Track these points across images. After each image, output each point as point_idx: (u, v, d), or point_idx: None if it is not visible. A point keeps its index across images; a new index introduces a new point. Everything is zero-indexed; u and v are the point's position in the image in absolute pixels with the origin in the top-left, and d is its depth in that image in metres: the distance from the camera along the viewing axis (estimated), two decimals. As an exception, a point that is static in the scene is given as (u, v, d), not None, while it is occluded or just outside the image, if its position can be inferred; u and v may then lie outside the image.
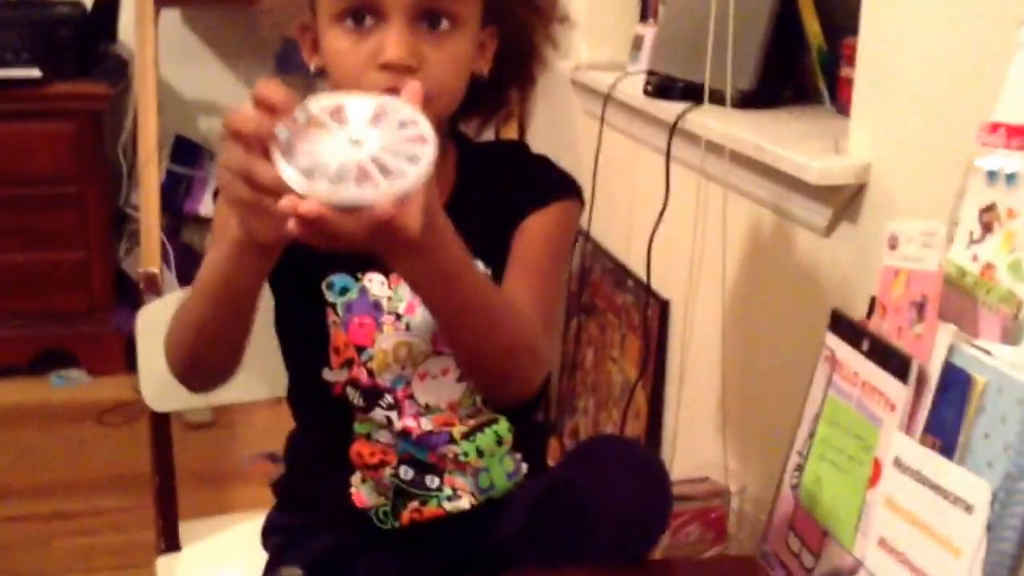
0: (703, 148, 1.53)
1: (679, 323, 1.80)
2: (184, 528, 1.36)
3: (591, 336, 2.23)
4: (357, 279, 1.07)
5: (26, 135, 2.73)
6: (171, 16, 3.06)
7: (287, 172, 0.77)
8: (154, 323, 1.29)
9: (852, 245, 1.24)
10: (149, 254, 2.64)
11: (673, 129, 1.60)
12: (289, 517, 1.17)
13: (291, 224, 0.77)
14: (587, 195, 2.04)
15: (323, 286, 1.07)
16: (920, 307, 0.86)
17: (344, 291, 1.07)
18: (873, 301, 0.94)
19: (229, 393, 1.32)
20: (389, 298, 1.07)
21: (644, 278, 1.93)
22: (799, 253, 1.37)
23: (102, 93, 2.75)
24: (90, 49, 2.81)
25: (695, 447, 1.73)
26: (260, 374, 1.29)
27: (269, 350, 1.14)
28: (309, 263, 1.03)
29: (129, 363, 2.93)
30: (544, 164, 1.15)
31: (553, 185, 1.12)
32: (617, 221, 2.05)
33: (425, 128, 0.81)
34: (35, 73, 2.68)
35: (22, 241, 2.80)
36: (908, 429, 0.86)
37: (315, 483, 1.14)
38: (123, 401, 2.69)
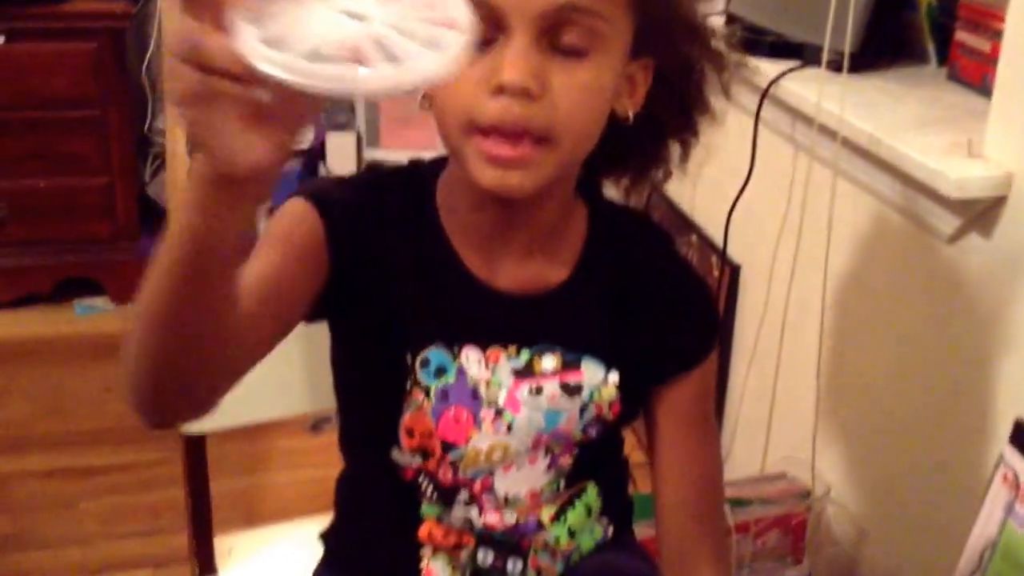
0: (804, 122, 1.39)
1: (752, 293, 1.68)
2: (217, 543, 1.23)
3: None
4: (455, 355, 0.90)
5: (44, 55, 2.57)
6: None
7: (245, 39, 0.53)
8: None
9: (982, 259, 1.11)
10: (175, 181, 2.52)
11: (764, 94, 1.46)
12: None
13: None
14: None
15: (417, 363, 0.89)
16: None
17: (440, 372, 0.89)
18: None
19: (270, 412, 1.22)
20: (487, 383, 0.90)
21: (708, 233, 1.81)
22: (916, 255, 1.24)
23: (124, 11, 2.58)
24: (111, -38, 2.64)
25: (765, 432, 1.63)
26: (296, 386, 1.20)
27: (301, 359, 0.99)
28: (393, 325, 0.88)
29: None
30: (698, 291, 0.98)
31: (705, 337, 0.97)
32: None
33: (458, 9, 0.58)
34: (53, -11, 2.51)
35: (42, 166, 2.66)
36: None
37: (377, 548, 0.99)
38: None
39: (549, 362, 0.90)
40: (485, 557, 0.95)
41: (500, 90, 0.78)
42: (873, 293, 1.36)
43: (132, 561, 1.94)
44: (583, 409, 0.91)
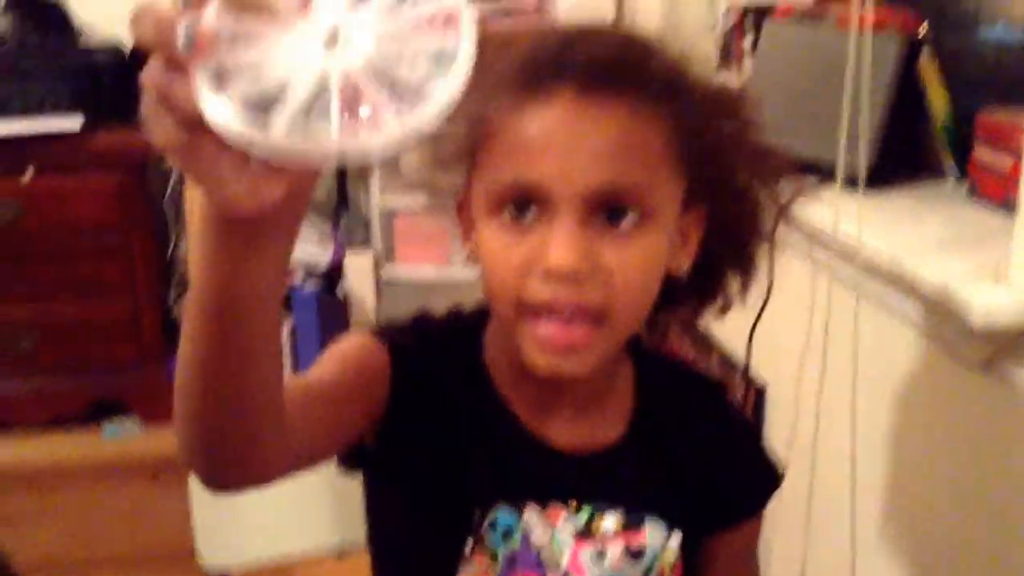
0: (820, 242, 1.36)
1: (779, 413, 1.64)
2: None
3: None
4: (519, 515, 0.85)
5: (71, 187, 2.63)
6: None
7: (208, 103, 0.45)
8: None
9: (1018, 390, 1.07)
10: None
11: (780, 213, 1.43)
12: None
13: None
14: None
15: (485, 523, 0.85)
16: None
17: (507, 535, 0.85)
18: None
19: (294, 547, 1.21)
20: (549, 546, 0.86)
21: (728, 352, 1.77)
22: (947, 382, 1.20)
23: (146, 143, 2.61)
24: (132, 93, 2.68)
25: (800, 561, 1.57)
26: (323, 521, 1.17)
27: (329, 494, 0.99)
28: (455, 481, 0.85)
29: None
30: (753, 441, 0.97)
31: (764, 484, 0.95)
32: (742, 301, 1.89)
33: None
34: (77, 123, 2.56)
35: (70, 293, 2.71)
36: None
37: None
38: (177, 455, 2.61)
39: (610, 522, 0.87)
40: None
41: (549, 274, 0.75)
42: (905, 418, 1.32)
43: None
44: (646, 573, 0.88)
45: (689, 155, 0.79)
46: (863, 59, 1.30)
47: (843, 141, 1.35)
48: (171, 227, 2.86)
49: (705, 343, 1.90)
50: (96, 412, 2.82)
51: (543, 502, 0.86)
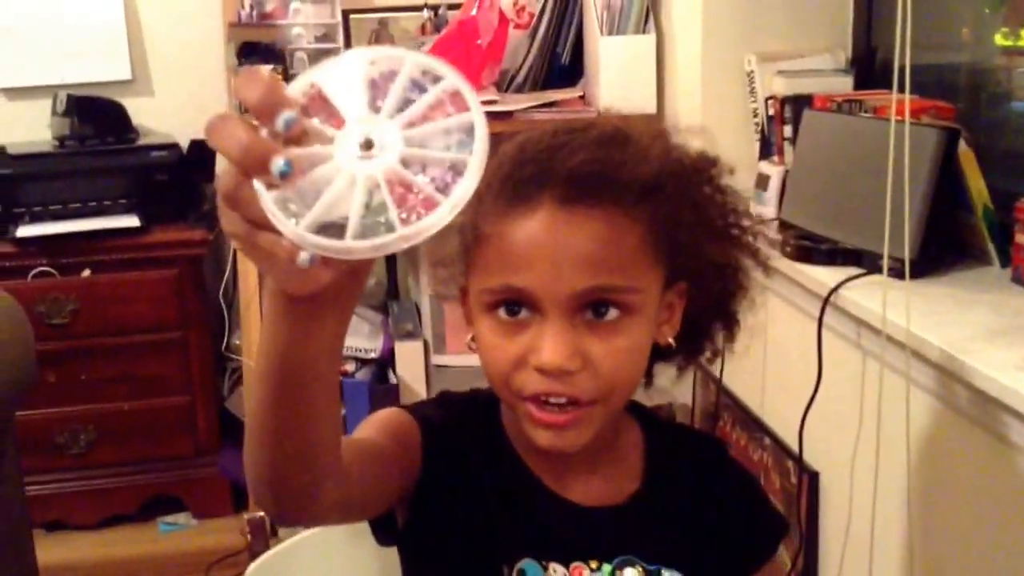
0: (865, 328, 1.37)
1: (833, 500, 1.63)
2: None
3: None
4: (544, 569, 0.90)
5: (128, 284, 2.69)
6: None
7: (271, 210, 0.52)
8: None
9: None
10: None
11: (826, 301, 1.45)
12: None
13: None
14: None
15: (514, 574, 0.89)
16: None
17: None
18: None
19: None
20: None
21: (781, 438, 1.77)
22: (1000, 471, 1.19)
23: (201, 239, 2.70)
24: (188, 192, 2.77)
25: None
26: None
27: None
28: (485, 540, 0.90)
29: (235, 504, 2.95)
30: (755, 492, 1.03)
31: (771, 533, 1.01)
32: (751, 371, 1.89)
33: (454, 79, 0.54)
34: (135, 222, 2.64)
35: (127, 389, 2.75)
36: None
37: None
38: (230, 548, 2.62)
39: (631, 575, 0.91)
40: None
41: (542, 371, 0.82)
42: (960, 508, 1.30)
43: None
44: None
45: (667, 245, 0.86)
46: (903, 148, 1.32)
47: (887, 232, 1.37)
48: (225, 321, 2.90)
49: (758, 430, 1.89)
50: (151, 508, 2.85)
51: (567, 560, 0.90)
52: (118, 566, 2.70)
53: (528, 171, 0.84)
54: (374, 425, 0.88)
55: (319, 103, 0.54)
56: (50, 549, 2.67)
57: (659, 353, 0.93)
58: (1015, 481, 1.17)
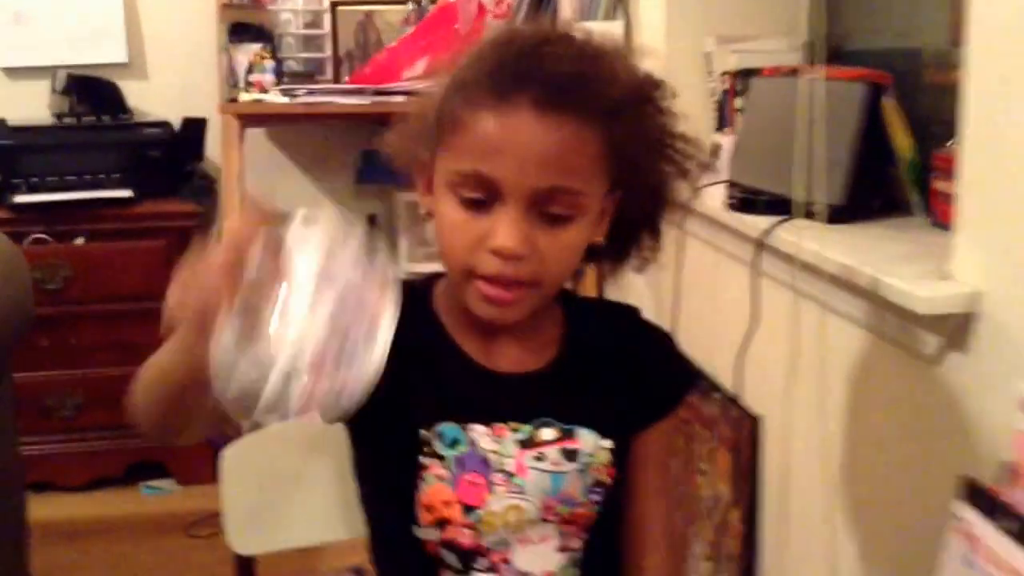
0: (795, 266, 1.49)
1: (774, 442, 1.75)
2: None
3: (676, 447, 2.18)
4: (464, 429, 1.01)
5: (119, 253, 2.81)
6: (256, 132, 3.15)
7: (221, 345, 0.72)
8: (239, 463, 1.30)
9: (965, 376, 1.18)
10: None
11: (760, 244, 1.57)
12: None
13: None
14: (669, 303, 2.05)
15: (432, 435, 1.01)
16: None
17: (455, 443, 1.01)
18: (1009, 468, 0.89)
19: (319, 536, 1.33)
20: (496, 452, 1.01)
21: (732, 391, 1.88)
22: (907, 381, 1.31)
23: (190, 211, 2.82)
24: (179, 168, 2.90)
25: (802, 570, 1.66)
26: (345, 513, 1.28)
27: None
28: (407, 409, 1.00)
29: (217, 472, 3.03)
30: (665, 347, 1.13)
31: (679, 383, 1.13)
32: (701, 330, 2.01)
33: (386, 270, 0.76)
34: (128, 194, 2.76)
35: (115, 356, 2.86)
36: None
37: None
38: (211, 511, 2.71)
39: (548, 434, 1.03)
40: None
41: (496, 253, 0.94)
42: (871, 426, 1.42)
43: None
44: (583, 472, 1.02)
45: (617, 162, 0.98)
46: (833, 104, 1.45)
47: (817, 180, 1.49)
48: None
49: (709, 387, 2.01)
50: (136, 472, 2.97)
51: (488, 421, 1.02)
52: (104, 522, 2.81)
53: (511, 70, 0.93)
54: None
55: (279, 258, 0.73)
56: (38, 508, 2.77)
57: (590, 254, 1.04)
58: (920, 387, 1.28)
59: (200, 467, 2.94)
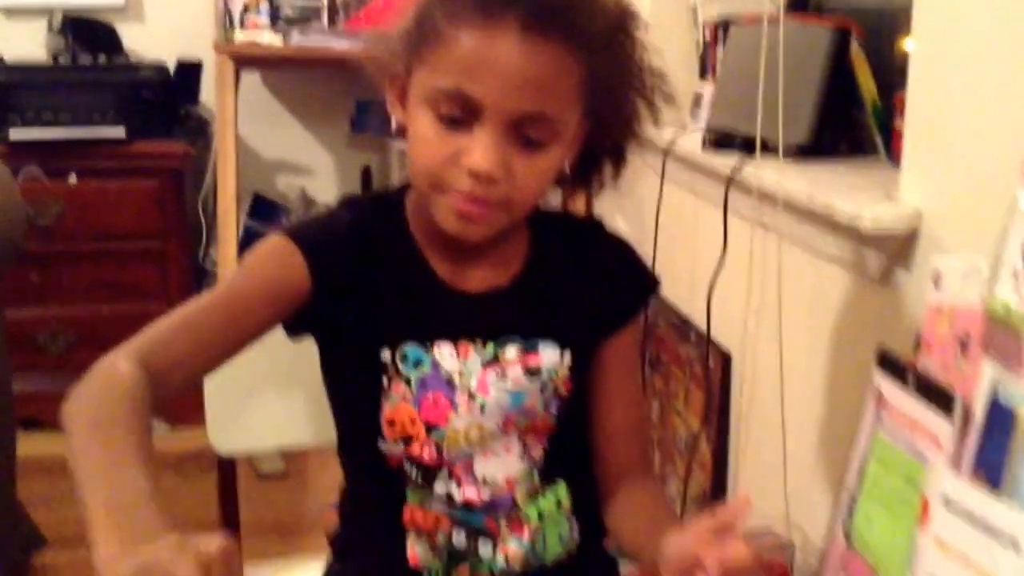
0: (757, 199, 1.55)
1: (741, 375, 1.81)
2: (249, 571, 1.36)
3: (656, 389, 2.24)
4: (428, 350, 1.03)
5: (110, 192, 2.85)
6: (251, 79, 3.19)
7: None
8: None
9: (907, 291, 1.25)
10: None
11: (729, 181, 1.63)
12: (346, 570, 1.17)
13: None
14: (649, 250, 2.10)
15: (395, 357, 1.02)
16: (964, 344, 0.88)
17: (418, 364, 1.03)
18: (920, 339, 0.95)
19: (299, 438, 1.38)
20: (460, 372, 1.04)
21: (705, 331, 1.94)
22: (856, 301, 1.38)
23: (183, 152, 2.86)
24: (173, 110, 2.94)
25: (760, 500, 1.72)
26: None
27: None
28: (372, 329, 1.02)
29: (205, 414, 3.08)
30: (626, 255, 1.14)
31: (640, 289, 1.14)
32: (680, 274, 2.07)
33: None
34: (120, 132, 2.80)
35: (106, 294, 2.91)
36: (955, 467, 0.87)
37: (370, 539, 1.12)
38: (200, 450, 2.76)
39: (511, 351, 1.06)
40: (459, 539, 1.07)
41: (471, 173, 0.94)
42: (824, 346, 1.49)
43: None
44: (543, 388, 1.06)
45: (594, 92, 0.99)
46: (805, 49, 1.51)
47: (782, 118, 1.54)
48: (203, 233, 3.07)
49: (685, 327, 2.07)
50: (125, 411, 3.01)
51: (454, 339, 1.04)
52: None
53: None
54: (244, 274, 1.02)
55: None
56: (26, 444, 2.82)
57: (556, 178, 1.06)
58: (852, 299, 1.34)
59: (189, 407, 2.94)
